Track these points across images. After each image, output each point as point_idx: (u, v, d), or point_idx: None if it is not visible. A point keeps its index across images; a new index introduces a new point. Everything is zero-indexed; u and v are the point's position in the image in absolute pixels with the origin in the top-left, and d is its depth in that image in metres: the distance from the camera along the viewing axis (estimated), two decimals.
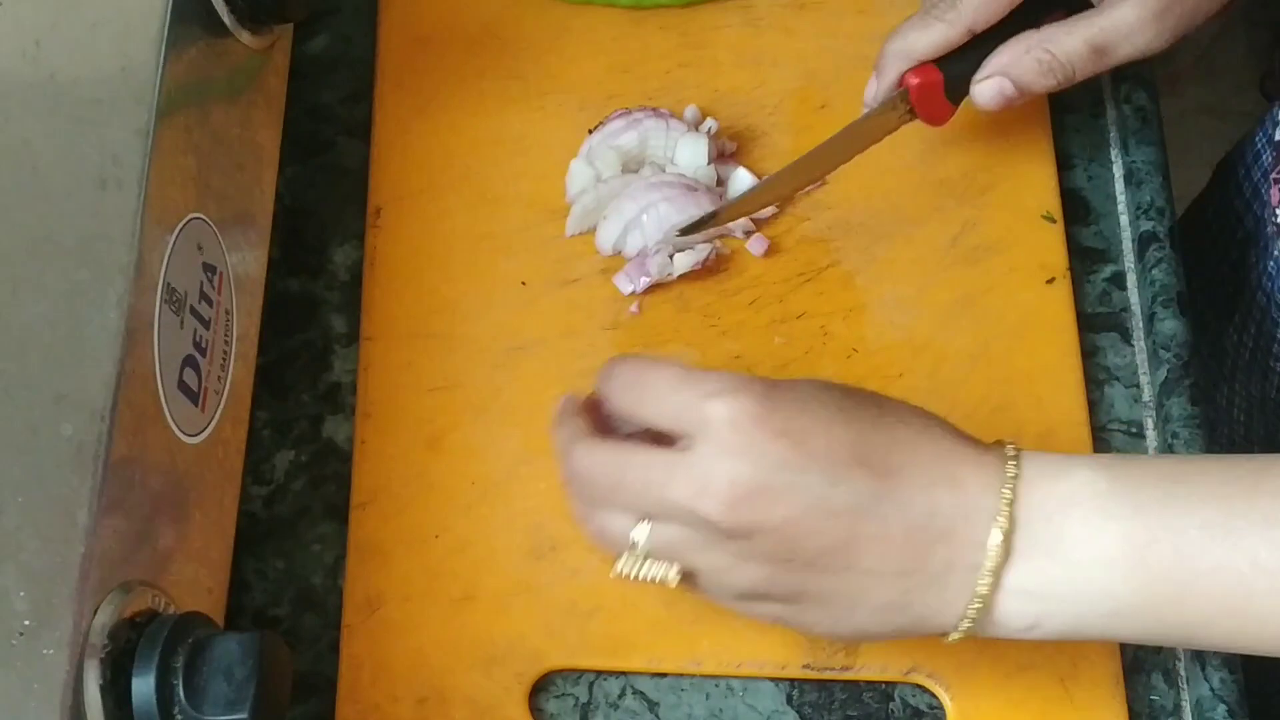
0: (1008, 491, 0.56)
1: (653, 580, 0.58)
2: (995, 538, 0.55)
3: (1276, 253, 0.72)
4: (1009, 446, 0.57)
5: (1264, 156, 0.77)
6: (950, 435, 0.58)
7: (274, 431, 0.71)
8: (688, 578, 0.58)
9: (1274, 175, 0.73)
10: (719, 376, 0.57)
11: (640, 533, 0.57)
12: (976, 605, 0.56)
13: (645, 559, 0.58)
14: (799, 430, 0.55)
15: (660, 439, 0.58)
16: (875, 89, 0.71)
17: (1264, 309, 0.81)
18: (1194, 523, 0.55)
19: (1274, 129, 0.75)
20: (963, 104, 0.72)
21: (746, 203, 0.72)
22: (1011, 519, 0.56)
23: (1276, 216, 0.72)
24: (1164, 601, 0.56)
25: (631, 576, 0.58)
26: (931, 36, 0.69)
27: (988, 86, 0.70)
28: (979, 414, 0.64)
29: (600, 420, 0.61)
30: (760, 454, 0.55)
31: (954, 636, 0.58)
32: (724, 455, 0.55)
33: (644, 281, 0.72)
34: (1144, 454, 0.59)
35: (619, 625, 0.67)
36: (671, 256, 0.73)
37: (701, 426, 0.56)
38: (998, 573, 0.56)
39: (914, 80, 0.70)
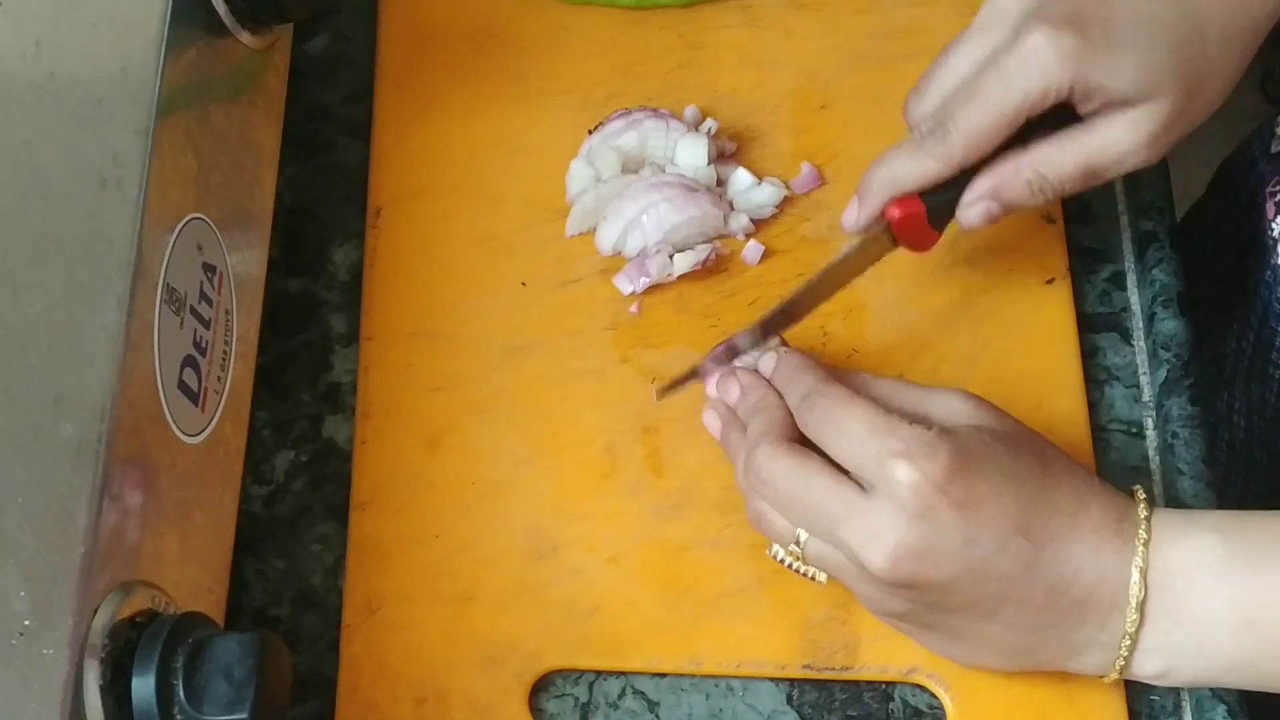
0: (1140, 560, 0.59)
1: (803, 576, 0.62)
2: (1133, 608, 0.59)
3: (1274, 263, 0.72)
4: (1141, 506, 0.61)
5: (1260, 166, 0.77)
6: (1101, 497, 0.61)
7: (274, 431, 0.71)
8: (835, 578, 0.62)
9: (1269, 189, 0.73)
10: (909, 436, 0.59)
11: (804, 538, 0.61)
12: (1120, 663, 0.61)
13: (801, 557, 0.61)
14: (975, 499, 0.58)
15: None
16: (856, 215, 0.68)
17: (1262, 316, 0.81)
18: None
19: (1270, 141, 0.75)
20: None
21: (726, 353, 0.68)
22: (1145, 586, 0.59)
23: (1273, 230, 0.72)
24: (1272, 660, 0.59)
25: (787, 566, 0.62)
26: (920, 170, 0.66)
27: (975, 212, 0.66)
28: None
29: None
30: (935, 521, 0.58)
31: (1110, 678, 0.62)
32: (899, 514, 0.58)
33: (644, 282, 0.72)
34: (1260, 511, 0.62)
35: (619, 625, 0.67)
36: (671, 257, 0.73)
37: (885, 481, 0.58)
38: (1136, 636, 0.60)
39: (896, 213, 0.66)
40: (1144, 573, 0.59)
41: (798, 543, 0.61)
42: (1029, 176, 0.65)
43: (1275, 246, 0.73)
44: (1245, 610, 0.59)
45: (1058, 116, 0.65)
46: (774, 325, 0.68)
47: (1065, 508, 0.60)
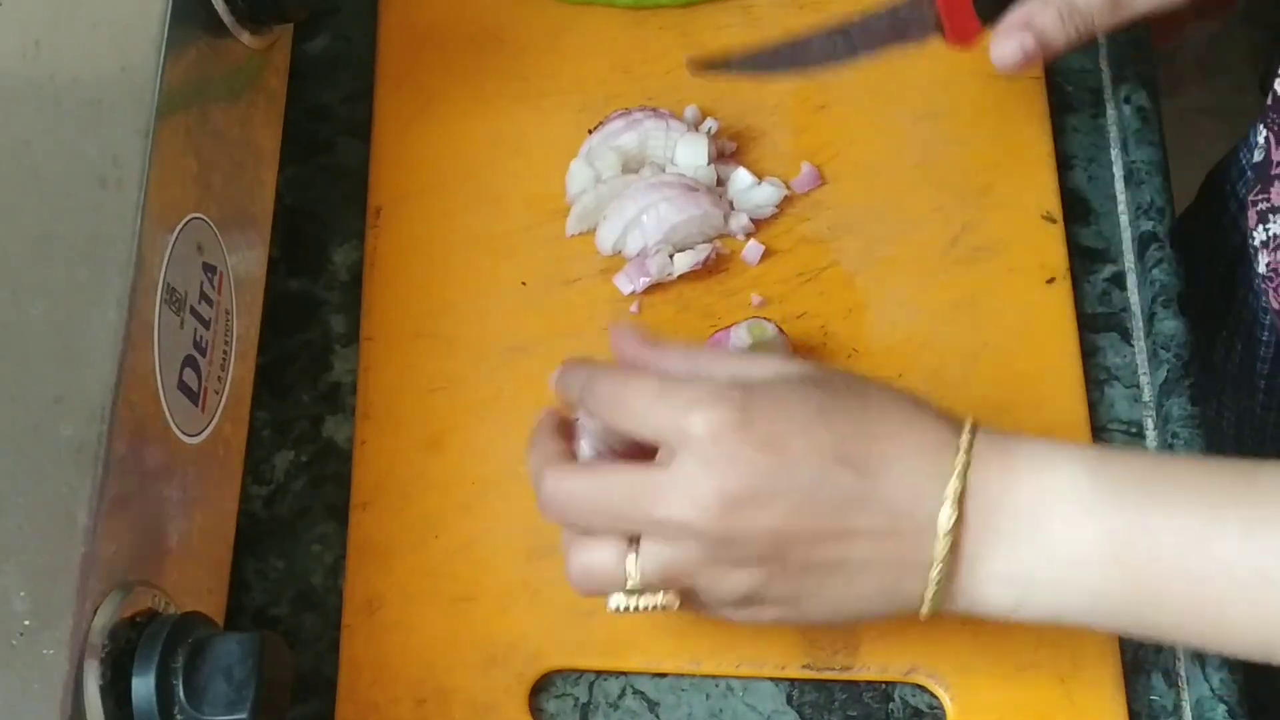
0: (956, 482, 0.56)
1: (651, 610, 0.59)
2: (944, 525, 0.56)
3: (1260, 269, 0.72)
4: (964, 435, 0.58)
5: (1247, 175, 0.77)
6: (933, 423, 0.58)
7: (274, 431, 0.71)
8: (684, 597, 0.59)
9: (1250, 198, 0.73)
10: (696, 387, 0.57)
11: (631, 563, 0.57)
12: (934, 590, 0.57)
13: (639, 591, 0.58)
14: (780, 436, 0.56)
15: (635, 451, 0.59)
16: None
17: (1249, 325, 0.81)
18: (1171, 526, 0.56)
19: (1253, 151, 0.75)
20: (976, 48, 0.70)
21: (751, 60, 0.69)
22: (962, 509, 0.56)
23: (1254, 239, 0.73)
24: (1139, 601, 0.57)
25: (630, 610, 0.59)
26: None
27: (1010, 45, 0.69)
28: (979, 414, 0.63)
29: (570, 436, 0.61)
30: (745, 464, 0.56)
31: (924, 613, 0.58)
32: (708, 467, 0.56)
33: (644, 281, 0.72)
34: (1136, 448, 0.60)
35: (619, 625, 0.66)
36: (671, 256, 0.73)
37: (683, 440, 0.56)
38: (948, 561, 0.57)
39: None
40: (959, 497, 0.56)
41: (629, 576, 0.58)
42: (1059, 5, 0.67)
43: (1257, 255, 0.73)
44: (1115, 545, 0.56)
45: None
46: (779, 60, 0.68)
47: (889, 434, 0.57)
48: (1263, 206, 0.72)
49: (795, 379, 0.59)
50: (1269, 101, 0.73)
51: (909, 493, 0.57)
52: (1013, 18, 0.69)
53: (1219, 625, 0.56)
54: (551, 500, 0.59)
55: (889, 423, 0.58)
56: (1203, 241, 0.84)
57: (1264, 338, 0.81)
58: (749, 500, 0.56)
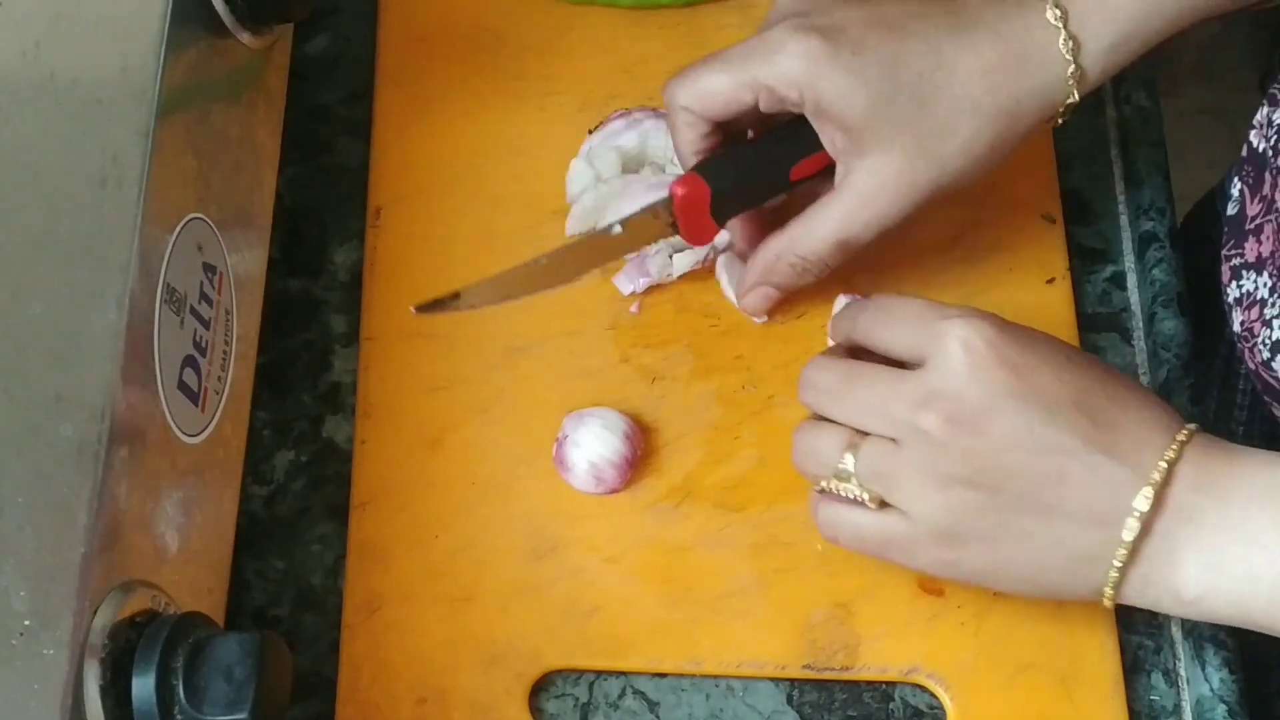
0: (1163, 464, 0.58)
1: (853, 497, 0.61)
2: (1144, 500, 0.58)
3: (1235, 327, 0.72)
4: (1182, 431, 0.59)
5: (1219, 224, 0.76)
6: (1164, 411, 0.60)
7: (274, 431, 0.71)
8: (883, 509, 0.61)
9: (1224, 252, 0.73)
10: (963, 308, 0.60)
11: (850, 457, 0.60)
12: (1124, 558, 0.59)
13: (849, 480, 0.61)
14: (1028, 365, 0.59)
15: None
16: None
17: (1224, 375, 0.81)
18: None
19: (1226, 203, 0.74)
20: None
21: (479, 292, 0.68)
22: (1171, 485, 0.58)
23: (1228, 295, 0.72)
24: None
25: (831, 490, 0.61)
26: (676, 126, 0.69)
27: (755, 297, 0.71)
28: None
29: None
30: (988, 378, 0.58)
31: (1108, 592, 0.60)
32: (953, 374, 0.59)
33: (643, 282, 0.72)
34: None
35: (619, 625, 0.67)
36: (671, 257, 0.73)
37: (937, 346, 0.59)
38: (1146, 523, 0.58)
39: (680, 190, 0.67)
40: (1172, 465, 0.58)
41: (844, 465, 0.60)
42: (790, 261, 0.69)
43: (1231, 312, 0.72)
44: None
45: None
46: (521, 281, 0.68)
47: (1124, 400, 0.60)
48: (1236, 262, 0.72)
49: (1048, 335, 0.62)
50: (1244, 154, 0.72)
51: (1131, 455, 0.58)
52: (753, 272, 0.70)
53: None
54: (809, 380, 0.63)
55: (1126, 392, 0.60)
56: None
57: (1240, 386, 0.81)
58: (981, 413, 0.58)
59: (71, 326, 0.53)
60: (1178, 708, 0.67)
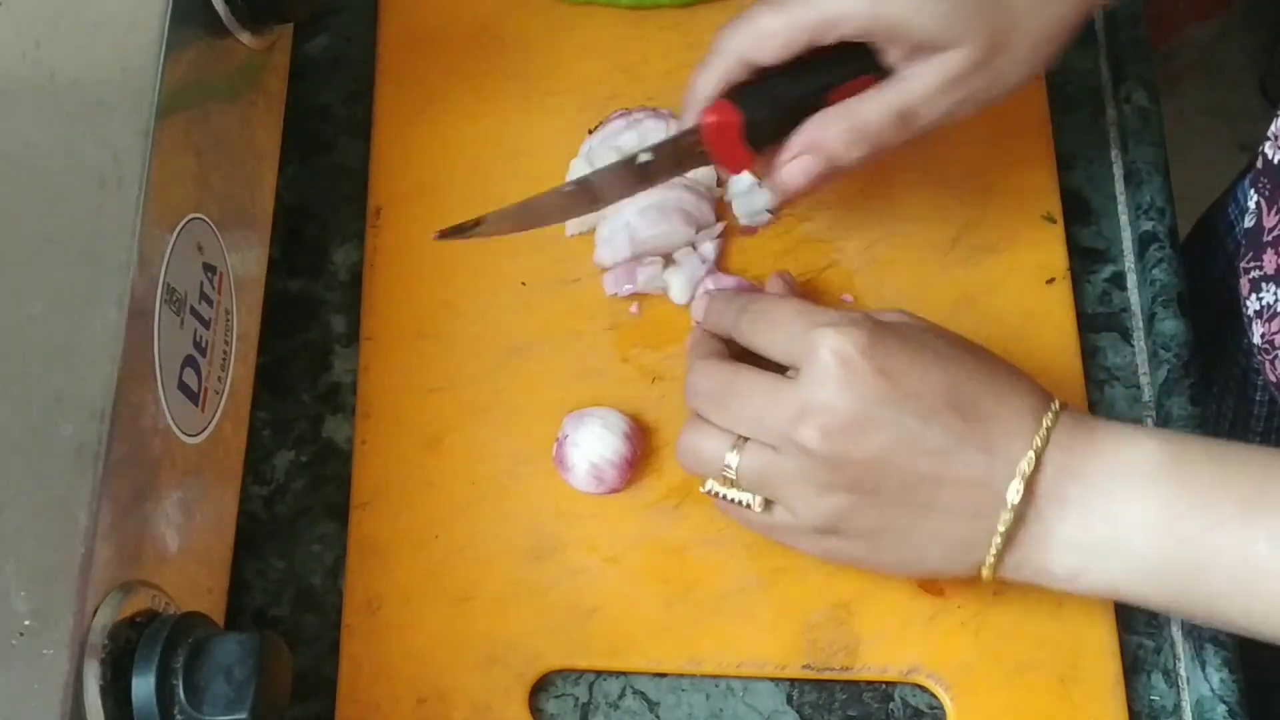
0: (1039, 441, 0.60)
1: (738, 503, 0.63)
2: (1014, 493, 0.60)
3: (1255, 340, 0.71)
4: (1048, 414, 0.61)
5: (1237, 230, 0.76)
6: (1031, 391, 0.62)
7: (274, 431, 0.71)
8: (767, 508, 0.62)
9: (1241, 265, 0.73)
10: (834, 312, 0.62)
11: (733, 458, 0.62)
12: (1000, 542, 0.60)
13: (733, 484, 0.63)
14: (899, 369, 0.60)
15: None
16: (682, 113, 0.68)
17: (1240, 383, 0.80)
18: (1227, 498, 0.58)
19: (1244, 215, 0.74)
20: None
21: (502, 218, 0.68)
22: (1040, 470, 0.60)
23: (1248, 307, 0.72)
24: (1185, 570, 0.59)
25: (720, 496, 0.63)
26: (724, 63, 0.66)
27: (795, 167, 0.67)
28: None
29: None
30: (861, 388, 0.59)
31: (985, 574, 0.62)
32: (826, 385, 0.59)
33: (628, 289, 0.72)
34: (1208, 438, 0.62)
35: (619, 625, 0.67)
36: (665, 275, 0.72)
37: (809, 356, 0.60)
38: (1019, 513, 0.60)
39: (712, 118, 0.66)
40: (1039, 454, 0.59)
41: (728, 468, 0.62)
42: (844, 125, 0.66)
43: (1250, 325, 0.72)
44: (1172, 515, 0.59)
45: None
46: (554, 205, 0.68)
47: (996, 392, 0.61)
48: (1255, 275, 0.72)
49: (921, 327, 0.63)
50: (1259, 165, 0.72)
51: (1003, 448, 0.60)
52: (799, 139, 0.66)
53: (1256, 599, 0.58)
54: (691, 384, 0.64)
55: (998, 382, 0.61)
56: (1190, 291, 0.84)
57: (1257, 398, 0.81)
58: (856, 423, 0.59)
59: (71, 326, 0.53)
60: (1178, 708, 0.67)
